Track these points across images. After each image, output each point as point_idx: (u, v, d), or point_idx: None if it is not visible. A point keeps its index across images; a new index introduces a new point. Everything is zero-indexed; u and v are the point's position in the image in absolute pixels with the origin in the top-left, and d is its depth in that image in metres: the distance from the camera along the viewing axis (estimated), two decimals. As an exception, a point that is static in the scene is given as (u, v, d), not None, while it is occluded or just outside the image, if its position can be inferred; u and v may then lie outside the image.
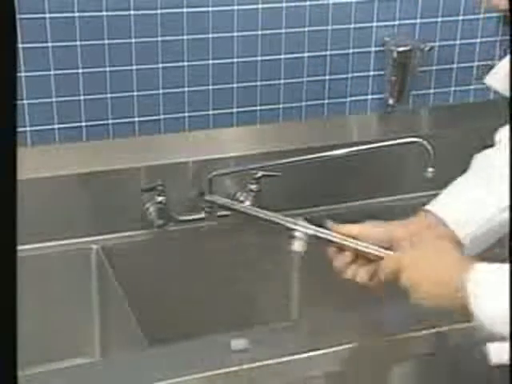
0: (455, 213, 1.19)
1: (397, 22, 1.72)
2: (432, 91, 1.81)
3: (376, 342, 1.26)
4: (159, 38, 1.56)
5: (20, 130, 1.52)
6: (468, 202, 1.20)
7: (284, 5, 1.62)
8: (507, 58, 1.23)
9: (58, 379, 1.16)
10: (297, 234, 1.21)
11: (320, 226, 1.21)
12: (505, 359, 1.06)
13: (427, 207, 1.22)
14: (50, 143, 1.56)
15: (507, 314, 0.99)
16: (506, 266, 1.01)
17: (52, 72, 1.52)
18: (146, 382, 1.14)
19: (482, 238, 1.19)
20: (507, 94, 1.17)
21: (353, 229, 1.18)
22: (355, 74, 1.73)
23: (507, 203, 1.15)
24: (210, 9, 1.58)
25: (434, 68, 1.79)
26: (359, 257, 1.17)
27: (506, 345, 1.04)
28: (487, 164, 1.24)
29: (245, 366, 1.17)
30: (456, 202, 1.21)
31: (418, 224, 1.19)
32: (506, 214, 1.17)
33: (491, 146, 1.28)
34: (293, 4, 1.63)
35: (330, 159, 1.60)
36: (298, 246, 1.22)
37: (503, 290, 1.00)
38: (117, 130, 1.60)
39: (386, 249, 1.15)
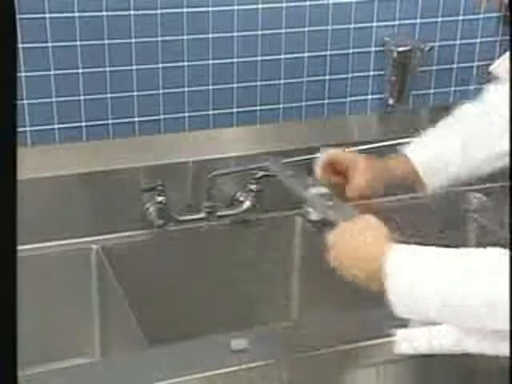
0: (428, 167, 1.28)
1: (397, 22, 1.72)
2: (432, 91, 1.81)
3: (376, 341, 1.26)
4: (159, 38, 1.56)
5: (20, 130, 1.52)
6: (441, 156, 1.28)
7: (284, 5, 1.62)
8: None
9: (58, 379, 1.16)
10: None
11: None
12: (413, 348, 1.03)
13: (408, 154, 1.29)
14: (50, 143, 1.55)
15: (419, 298, 0.98)
16: (431, 248, 1.01)
17: (52, 72, 1.52)
18: (146, 382, 1.14)
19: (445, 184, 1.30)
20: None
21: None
22: (355, 74, 1.73)
23: (478, 161, 1.27)
24: (210, 9, 1.58)
25: (434, 68, 1.79)
26: None
27: (417, 332, 1.02)
28: (466, 113, 1.31)
29: (245, 366, 1.17)
30: (431, 154, 1.29)
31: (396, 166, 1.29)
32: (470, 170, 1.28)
33: None
34: (293, 4, 1.63)
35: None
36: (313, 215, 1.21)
37: (419, 273, 0.99)
38: (117, 130, 1.60)
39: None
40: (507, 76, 1.21)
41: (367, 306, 1.31)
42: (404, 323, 1.04)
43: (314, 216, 1.22)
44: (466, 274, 0.97)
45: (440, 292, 0.97)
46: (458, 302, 0.96)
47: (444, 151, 1.29)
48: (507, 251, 0.95)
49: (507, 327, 0.93)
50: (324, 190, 1.21)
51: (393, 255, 1.02)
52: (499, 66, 1.28)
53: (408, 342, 1.04)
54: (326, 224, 1.15)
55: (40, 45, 1.49)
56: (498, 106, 1.27)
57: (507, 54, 1.25)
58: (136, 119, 1.60)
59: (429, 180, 1.28)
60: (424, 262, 1.01)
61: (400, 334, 1.04)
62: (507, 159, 1.25)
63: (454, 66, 1.80)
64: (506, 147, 1.22)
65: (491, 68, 1.29)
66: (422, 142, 1.32)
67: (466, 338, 1.00)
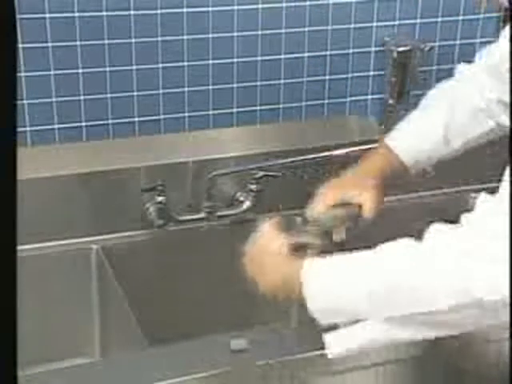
0: (413, 156, 1.30)
1: (397, 22, 1.72)
2: (432, 91, 1.81)
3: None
4: (159, 38, 1.56)
5: (20, 130, 1.52)
6: (424, 143, 1.30)
7: (284, 5, 1.62)
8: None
9: (58, 379, 1.16)
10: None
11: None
12: (344, 348, 1.06)
13: (393, 148, 1.31)
14: (50, 143, 1.56)
15: (338, 304, 1.01)
16: (343, 257, 1.03)
17: (52, 72, 1.52)
18: (145, 382, 1.14)
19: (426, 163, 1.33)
20: None
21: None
22: (355, 74, 1.73)
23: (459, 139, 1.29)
24: (210, 9, 1.58)
25: (434, 68, 1.79)
26: None
27: (342, 333, 1.04)
28: (445, 93, 1.33)
29: (244, 366, 1.17)
30: (414, 142, 1.31)
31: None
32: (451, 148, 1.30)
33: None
34: (293, 4, 1.63)
35: (330, 159, 1.60)
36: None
37: (333, 281, 1.02)
38: (117, 130, 1.60)
39: None
40: None
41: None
42: (331, 327, 1.06)
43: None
44: (383, 265, 0.99)
45: (360, 287, 0.99)
46: (380, 291, 0.98)
47: (427, 136, 1.30)
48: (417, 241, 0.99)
49: (426, 309, 0.95)
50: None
51: (309, 265, 1.05)
52: None
53: (338, 344, 1.06)
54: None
55: (40, 45, 1.49)
56: (476, 78, 1.28)
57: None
58: (136, 119, 1.60)
59: (413, 166, 1.31)
60: (336, 264, 1.04)
61: (327, 338, 1.07)
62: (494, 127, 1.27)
63: (454, 66, 1.80)
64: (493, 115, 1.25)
65: None
66: (403, 129, 1.33)
67: (390, 328, 1.01)
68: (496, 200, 0.94)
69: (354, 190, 1.26)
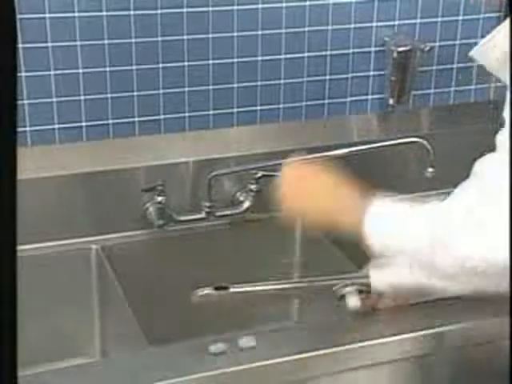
0: None
1: (397, 22, 1.72)
2: (432, 91, 1.81)
3: (376, 341, 1.25)
4: (159, 38, 1.56)
5: (20, 129, 1.52)
6: None
7: (284, 5, 1.62)
8: (496, 31, 1.21)
9: (58, 379, 1.16)
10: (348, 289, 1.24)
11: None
12: (385, 284, 1.15)
13: None
14: (50, 143, 1.56)
15: (399, 242, 1.11)
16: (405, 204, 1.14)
17: (52, 72, 1.52)
18: (145, 382, 1.14)
19: None
20: (492, 71, 1.20)
21: None
22: (355, 74, 1.73)
23: None
24: (210, 9, 1.58)
25: (434, 68, 1.79)
26: None
27: (390, 271, 1.14)
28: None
29: (245, 366, 1.17)
30: None
31: None
32: None
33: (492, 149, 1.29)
34: (293, 4, 1.63)
35: (330, 159, 1.60)
36: (352, 301, 1.24)
37: (398, 223, 1.12)
38: (117, 129, 1.60)
39: None
40: (489, 61, 1.21)
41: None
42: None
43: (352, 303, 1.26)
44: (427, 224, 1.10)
45: (409, 241, 1.10)
46: (422, 249, 1.09)
47: None
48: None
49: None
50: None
51: (375, 205, 1.16)
52: (480, 50, 1.25)
53: (381, 280, 1.15)
54: None
55: (40, 45, 1.49)
56: None
57: (490, 36, 1.23)
58: (136, 119, 1.60)
59: None
60: (397, 213, 1.16)
61: (373, 273, 1.16)
62: None
63: (454, 66, 1.80)
64: None
65: (472, 53, 1.27)
66: None
67: (430, 275, 1.10)
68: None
69: None
